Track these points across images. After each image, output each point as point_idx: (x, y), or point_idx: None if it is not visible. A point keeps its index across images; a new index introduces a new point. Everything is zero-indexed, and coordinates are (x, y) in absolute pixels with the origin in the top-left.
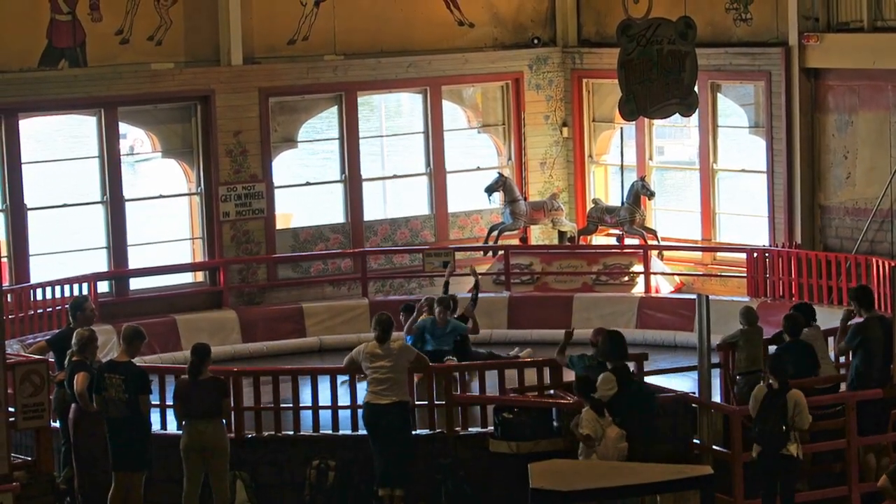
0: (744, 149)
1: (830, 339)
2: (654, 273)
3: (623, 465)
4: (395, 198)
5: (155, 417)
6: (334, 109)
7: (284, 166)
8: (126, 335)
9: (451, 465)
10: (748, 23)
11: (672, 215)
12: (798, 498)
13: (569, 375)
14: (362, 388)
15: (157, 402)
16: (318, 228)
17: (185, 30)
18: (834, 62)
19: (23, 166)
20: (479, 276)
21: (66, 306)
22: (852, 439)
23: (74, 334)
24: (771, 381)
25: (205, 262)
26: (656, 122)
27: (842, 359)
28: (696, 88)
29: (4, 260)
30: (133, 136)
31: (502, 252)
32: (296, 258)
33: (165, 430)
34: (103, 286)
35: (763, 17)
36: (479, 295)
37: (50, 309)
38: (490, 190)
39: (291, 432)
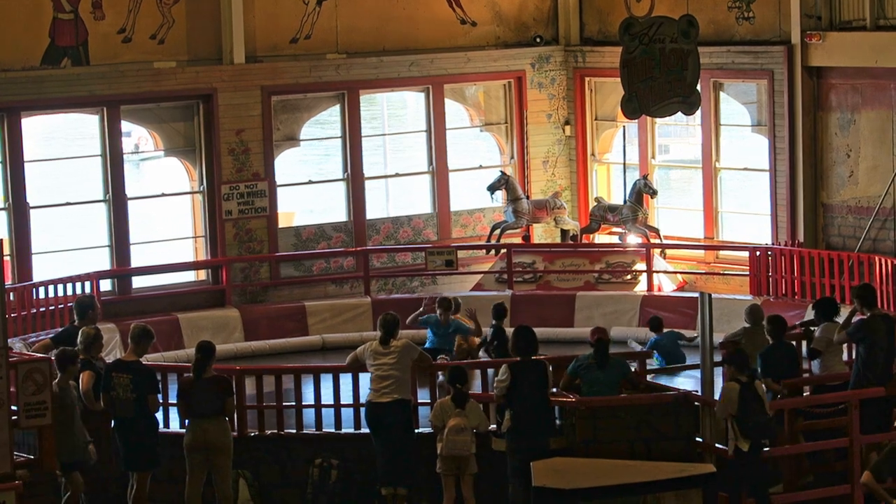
0: (746, 147)
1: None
2: (657, 271)
3: (626, 464)
4: (398, 196)
5: (158, 416)
6: (336, 108)
7: (287, 165)
8: (134, 334)
9: None
10: (750, 21)
11: (675, 213)
12: (801, 497)
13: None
14: (365, 387)
15: (161, 401)
16: (321, 227)
17: (187, 28)
18: (836, 60)
19: (25, 165)
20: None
21: (71, 304)
22: (855, 438)
23: (80, 333)
24: (739, 375)
25: (207, 261)
26: (660, 120)
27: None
28: (698, 87)
29: (7, 258)
30: (137, 134)
31: (504, 250)
32: (298, 256)
33: (168, 428)
34: (106, 284)
35: (765, 15)
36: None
37: (52, 307)
38: (492, 188)
39: (294, 431)
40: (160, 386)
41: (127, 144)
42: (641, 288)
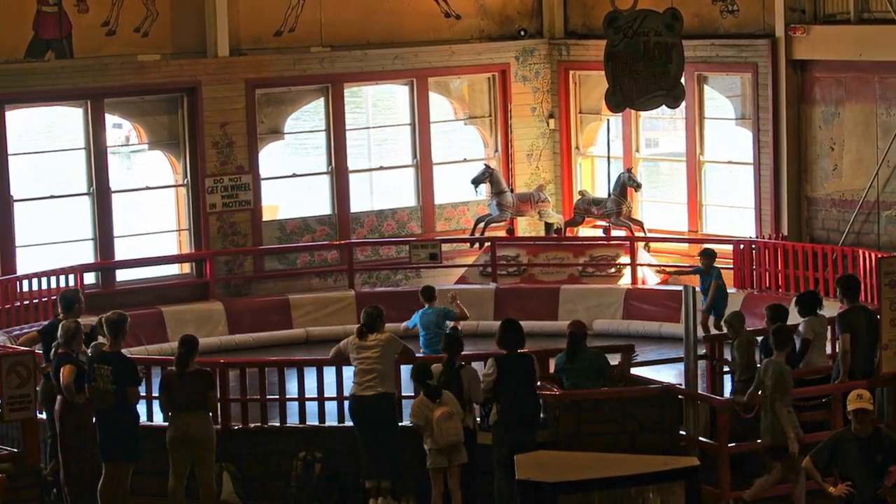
0: (730, 140)
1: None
2: (641, 264)
3: (609, 457)
4: (382, 189)
5: (141, 409)
6: (321, 101)
7: (271, 158)
8: (108, 326)
9: None
10: (735, 14)
11: (659, 207)
12: (784, 489)
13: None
14: (349, 380)
15: (144, 394)
16: (305, 220)
17: (171, 21)
18: (820, 54)
19: (9, 158)
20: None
21: (55, 297)
22: None
23: (60, 327)
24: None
25: (191, 254)
26: (648, 113)
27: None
28: (682, 80)
29: None
30: (128, 128)
31: (489, 244)
32: (282, 250)
33: (151, 421)
34: (90, 277)
35: (749, 8)
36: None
37: (36, 300)
38: (476, 181)
39: (278, 424)
40: (137, 377)
41: (119, 137)
42: (625, 281)
